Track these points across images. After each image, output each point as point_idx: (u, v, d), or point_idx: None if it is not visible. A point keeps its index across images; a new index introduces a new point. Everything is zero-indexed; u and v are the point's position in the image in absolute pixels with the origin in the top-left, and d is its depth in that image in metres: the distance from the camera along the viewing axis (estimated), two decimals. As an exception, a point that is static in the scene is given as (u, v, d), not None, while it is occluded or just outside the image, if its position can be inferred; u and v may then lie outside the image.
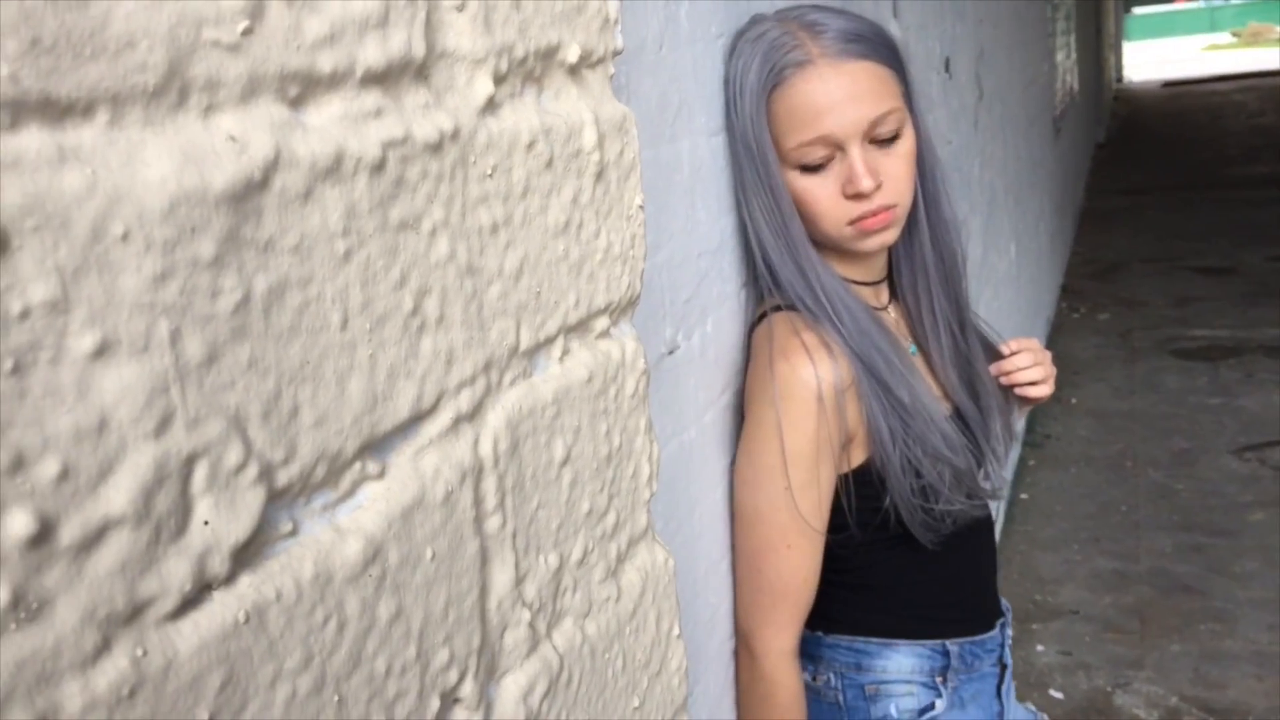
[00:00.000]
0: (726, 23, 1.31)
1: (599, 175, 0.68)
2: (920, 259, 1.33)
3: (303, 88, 0.45)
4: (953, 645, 1.37)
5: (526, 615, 0.62)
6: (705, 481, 1.25)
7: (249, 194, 0.42)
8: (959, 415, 1.34)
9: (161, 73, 0.39)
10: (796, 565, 1.25)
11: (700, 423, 1.24)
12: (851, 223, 1.21)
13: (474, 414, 0.57)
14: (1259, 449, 4.29)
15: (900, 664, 1.35)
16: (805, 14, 1.23)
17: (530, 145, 0.61)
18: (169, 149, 0.39)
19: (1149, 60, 26.53)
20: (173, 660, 0.38)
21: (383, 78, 0.49)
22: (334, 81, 0.46)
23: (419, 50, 0.52)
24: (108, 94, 0.37)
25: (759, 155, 1.23)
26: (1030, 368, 1.42)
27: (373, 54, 0.48)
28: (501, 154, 0.58)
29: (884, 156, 1.19)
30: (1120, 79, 20.66)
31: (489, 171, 0.57)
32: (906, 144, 1.21)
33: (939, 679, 1.36)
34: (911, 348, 1.34)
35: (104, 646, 0.36)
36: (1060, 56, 7.63)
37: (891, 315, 1.36)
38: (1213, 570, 3.36)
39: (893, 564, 1.36)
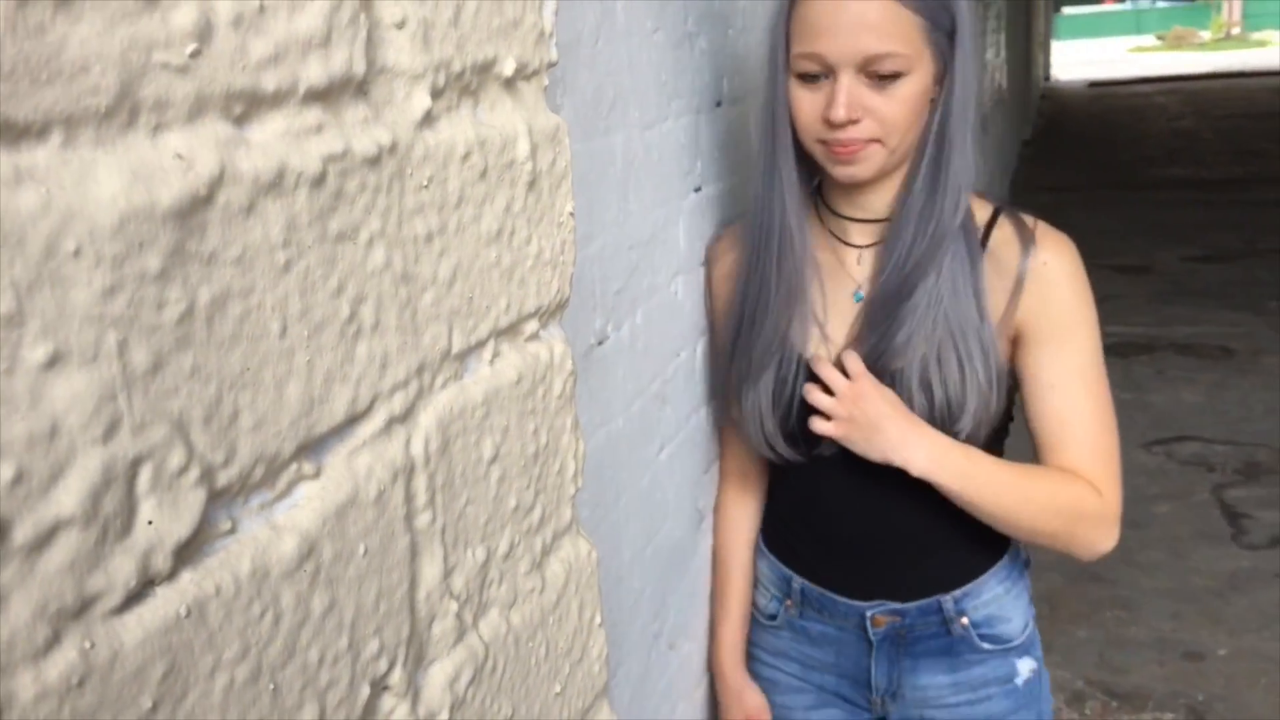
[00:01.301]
0: (662, 18, 1.33)
1: (531, 184, 0.71)
2: (903, 211, 1.27)
3: (247, 106, 0.47)
4: (796, 582, 1.45)
5: (454, 606, 0.65)
6: (632, 470, 1.28)
7: (194, 209, 0.44)
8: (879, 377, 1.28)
9: (113, 94, 0.41)
10: (727, 402, 1.47)
11: (628, 412, 1.27)
12: (821, 142, 1.23)
13: (406, 415, 0.59)
14: (1167, 444, 4.46)
15: (763, 569, 1.52)
16: None
17: (465, 157, 0.63)
18: (119, 168, 0.41)
19: (1076, 60, 27.10)
20: (118, 652, 0.41)
21: (324, 95, 0.52)
22: (277, 99, 0.49)
23: (359, 68, 0.54)
24: (62, 116, 0.39)
25: (771, 54, 1.26)
26: (827, 398, 1.28)
27: (315, 72, 0.51)
28: (437, 165, 0.61)
29: (876, 94, 1.18)
30: (1048, 77, 21.08)
31: (425, 183, 0.59)
32: (907, 89, 1.18)
33: (787, 601, 1.47)
34: (857, 294, 1.32)
35: (54, 640, 0.38)
36: (990, 54, 7.78)
37: (860, 259, 1.33)
38: (1119, 560, 3.49)
39: (773, 469, 1.48)
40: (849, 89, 1.18)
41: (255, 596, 0.48)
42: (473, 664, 0.67)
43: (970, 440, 1.27)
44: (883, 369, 1.27)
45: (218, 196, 0.45)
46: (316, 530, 0.52)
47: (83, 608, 0.40)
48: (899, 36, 1.16)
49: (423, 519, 0.61)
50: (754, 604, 1.54)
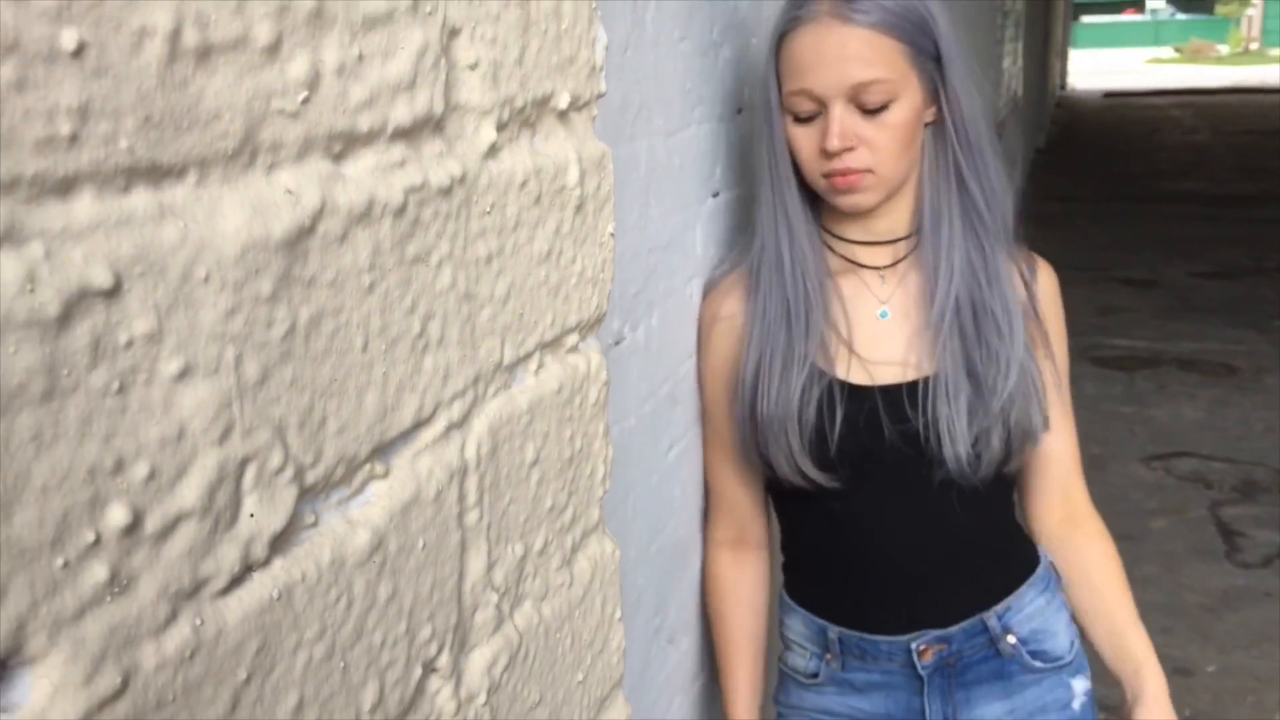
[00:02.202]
0: (689, 27, 1.38)
1: (579, 208, 0.76)
2: (946, 230, 1.31)
3: (345, 145, 0.53)
4: (833, 631, 1.39)
5: (494, 597, 0.70)
6: (642, 468, 1.33)
7: (300, 239, 0.49)
8: (918, 389, 1.30)
9: (239, 139, 0.46)
10: (708, 465, 1.49)
11: (640, 412, 1.32)
12: (825, 176, 1.28)
13: (463, 422, 0.65)
14: (1166, 459, 4.51)
15: (795, 625, 1.46)
16: None
17: (523, 184, 0.69)
18: (241, 203, 0.46)
19: (1093, 69, 27.06)
20: (222, 629, 0.46)
21: (408, 132, 0.57)
22: (369, 138, 0.54)
23: (439, 107, 0.59)
24: (197, 158, 0.44)
25: (762, 95, 1.33)
26: None
27: (401, 113, 0.56)
28: (499, 193, 0.66)
29: (867, 123, 1.24)
30: (1064, 86, 21.07)
31: (488, 209, 0.65)
32: (896, 116, 1.24)
33: (827, 655, 1.42)
34: (882, 312, 1.35)
35: (172, 617, 0.44)
36: (1007, 62, 7.82)
37: (883, 278, 1.36)
38: (1113, 572, 3.53)
39: (790, 517, 1.46)
40: (841, 118, 1.23)
41: (333, 583, 0.53)
42: (508, 651, 0.73)
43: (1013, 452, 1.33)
44: (976, 394, 1.28)
45: (318, 227, 0.50)
46: (385, 525, 0.57)
47: (195, 589, 0.45)
48: (882, 63, 1.22)
49: (472, 516, 0.67)
50: (790, 665, 1.48)
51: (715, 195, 1.56)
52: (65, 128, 0.39)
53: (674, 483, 1.45)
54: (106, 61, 0.40)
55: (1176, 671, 3.07)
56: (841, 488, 1.33)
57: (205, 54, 0.44)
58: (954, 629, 1.36)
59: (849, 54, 1.21)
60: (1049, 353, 1.36)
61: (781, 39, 1.28)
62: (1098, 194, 10.48)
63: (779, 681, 1.52)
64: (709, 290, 1.47)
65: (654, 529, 1.39)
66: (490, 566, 0.70)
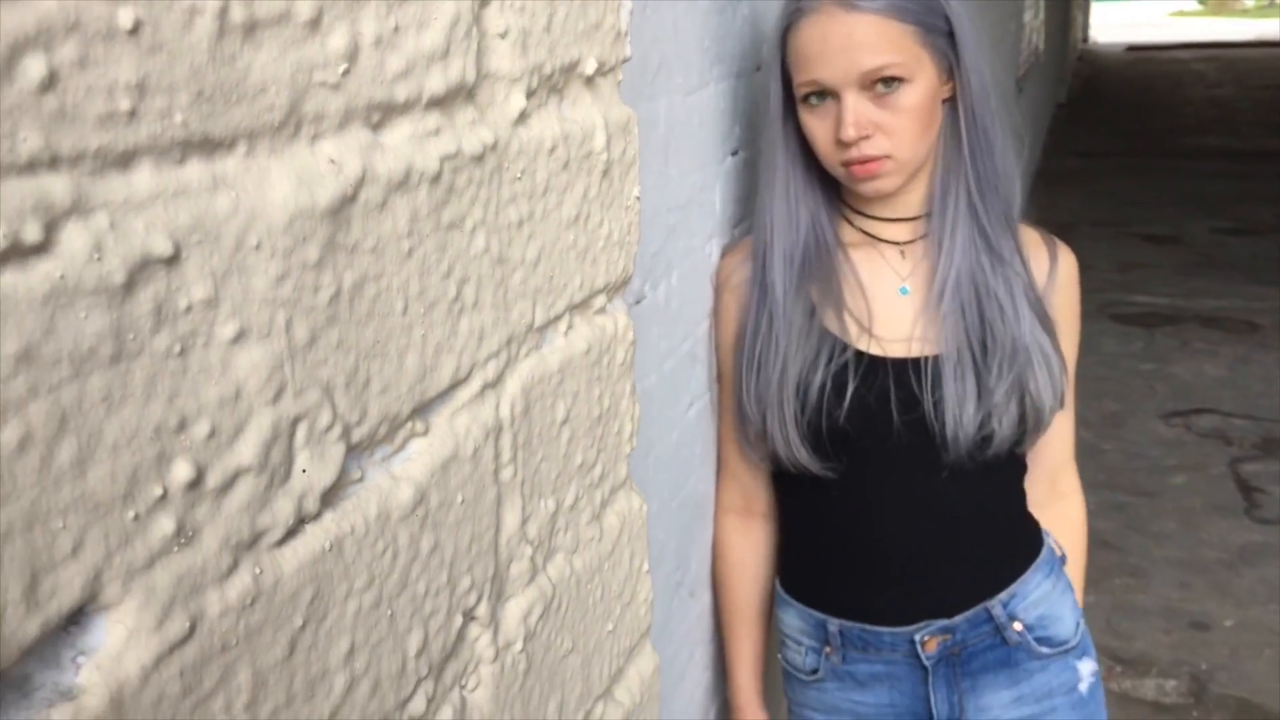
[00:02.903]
0: (709, -16, 1.39)
1: (605, 172, 0.78)
2: (952, 208, 1.31)
3: (383, 114, 0.54)
4: (833, 624, 1.37)
5: (529, 550, 0.73)
6: (662, 425, 1.35)
7: (343, 207, 0.51)
8: (923, 366, 1.29)
9: (284, 111, 0.48)
10: (719, 431, 1.49)
11: (660, 370, 1.33)
12: (844, 164, 1.26)
13: (497, 382, 0.67)
14: (1185, 415, 4.51)
15: (791, 621, 1.44)
16: None
17: (552, 150, 0.70)
18: (288, 173, 0.48)
19: (1115, 22, 26.68)
20: (279, 578, 0.49)
21: (442, 101, 0.59)
22: (406, 107, 0.56)
23: (471, 76, 0.61)
24: (246, 131, 0.46)
25: (771, 85, 1.31)
26: None
27: (436, 82, 0.58)
28: (529, 159, 0.68)
29: (882, 109, 1.21)
30: (1086, 39, 20.79)
31: (518, 175, 0.67)
32: (911, 98, 1.21)
33: (826, 649, 1.39)
34: (902, 288, 1.34)
35: (234, 566, 0.47)
36: (1029, 16, 7.72)
37: (903, 254, 1.35)
38: (1131, 528, 3.56)
39: (790, 504, 1.44)
40: (854, 107, 1.21)
41: (379, 535, 0.56)
42: (542, 602, 0.75)
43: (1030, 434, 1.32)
44: (981, 376, 1.27)
45: (360, 195, 0.52)
46: (426, 480, 0.60)
47: (254, 540, 0.48)
48: (890, 47, 1.19)
49: (506, 473, 0.69)
50: (789, 662, 1.46)
51: (734, 154, 1.57)
52: (125, 103, 0.41)
53: (695, 440, 1.47)
54: (161, 38, 0.42)
55: (1193, 625, 3.09)
56: (842, 470, 1.31)
57: (251, 29, 0.46)
58: (958, 619, 1.34)
59: (856, 42, 1.19)
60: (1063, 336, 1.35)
61: (786, 32, 1.26)
62: (1120, 149, 10.38)
63: (784, 675, 1.51)
64: (725, 254, 1.46)
65: (675, 485, 1.41)
66: (524, 521, 0.72)
